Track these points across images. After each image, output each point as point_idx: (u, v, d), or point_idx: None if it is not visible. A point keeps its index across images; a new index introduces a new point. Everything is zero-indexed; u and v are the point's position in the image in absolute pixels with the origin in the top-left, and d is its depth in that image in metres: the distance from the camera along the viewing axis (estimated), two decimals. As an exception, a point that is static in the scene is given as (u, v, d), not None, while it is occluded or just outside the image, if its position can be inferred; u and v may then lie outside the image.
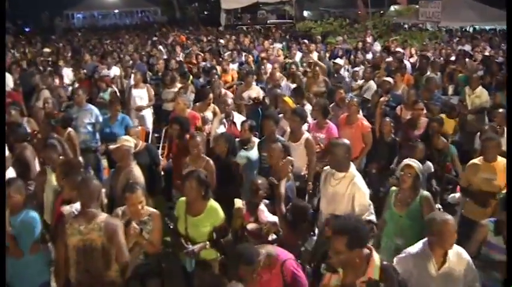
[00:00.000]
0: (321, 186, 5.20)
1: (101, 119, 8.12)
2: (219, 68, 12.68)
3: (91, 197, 4.22)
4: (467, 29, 26.54)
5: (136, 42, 20.40)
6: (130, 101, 10.08)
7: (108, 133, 7.80)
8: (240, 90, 10.16)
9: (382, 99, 7.83)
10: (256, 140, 6.62)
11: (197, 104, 8.73)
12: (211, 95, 8.60)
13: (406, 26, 24.39)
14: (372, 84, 9.84)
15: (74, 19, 44.03)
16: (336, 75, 11.32)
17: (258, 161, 6.40)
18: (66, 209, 4.53)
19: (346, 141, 5.01)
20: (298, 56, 13.72)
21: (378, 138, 7.40)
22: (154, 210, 4.69)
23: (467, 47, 16.80)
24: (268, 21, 32.24)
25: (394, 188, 4.96)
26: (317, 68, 10.51)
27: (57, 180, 5.22)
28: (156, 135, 10.88)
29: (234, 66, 12.90)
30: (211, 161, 5.90)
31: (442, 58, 13.13)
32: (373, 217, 4.93)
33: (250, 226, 4.75)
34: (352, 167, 4.95)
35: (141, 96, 10.09)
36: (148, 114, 10.22)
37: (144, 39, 22.44)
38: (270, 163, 5.59)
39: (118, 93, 10.84)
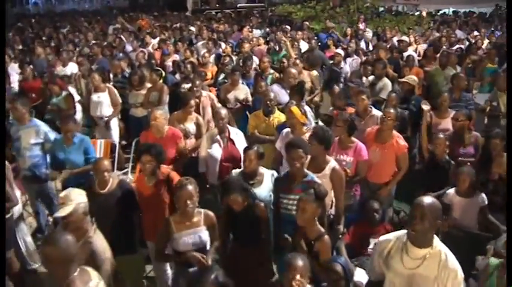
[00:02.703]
0: (381, 264, 3.43)
1: (51, 136, 6.15)
2: (192, 59, 10.92)
3: None
4: (447, 12, 25.38)
5: (96, 30, 18.23)
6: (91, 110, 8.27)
7: (62, 161, 5.89)
8: (224, 90, 8.44)
9: (425, 108, 6.18)
10: (265, 172, 4.91)
11: (175, 113, 6.99)
12: (192, 102, 6.87)
13: (381, 9, 22.90)
14: (387, 82, 8.25)
15: (29, 4, 40.95)
16: (335, 68, 9.64)
17: (269, 202, 4.77)
18: None
19: (434, 199, 3.29)
20: (304, 46, 11.93)
21: (427, 159, 5.79)
22: None
23: (459, 33, 15.40)
24: (238, 5, 30.42)
25: (493, 261, 3.33)
26: (297, 61, 8.90)
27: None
28: (124, 142, 9.15)
29: (210, 59, 11.08)
30: (210, 213, 4.18)
31: (445, 47, 11.60)
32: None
33: None
34: (436, 238, 3.29)
35: (102, 101, 8.27)
36: (113, 123, 8.43)
37: (105, 26, 20.21)
38: (300, 222, 3.93)
39: (79, 98, 8.96)
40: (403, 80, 7.62)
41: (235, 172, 4.90)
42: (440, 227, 4.85)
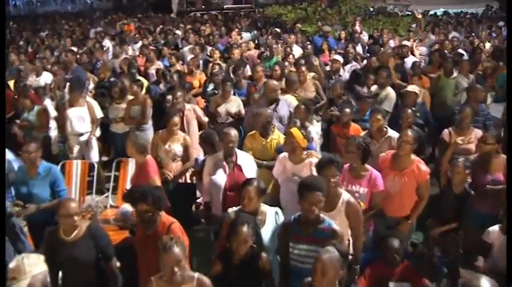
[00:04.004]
0: None
1: (15, 165, 5.34)
2: (178, 66, 10.09)
3: None
4: (438, 13, 24.79)
5: (77, 34, 17.24)
6: (67, 126, 7.41)
7: (25, 195, 5.03)
8: (214, 102, 7.63)
9: (459, 139, 5.41)
10: (267, 210, 4.11)
11: (159, 132, 6.18)
12: (176, 119, 6.02)
13: (371, 9, 22.15)
14: (391, 92, 7.55)
15: (9, 6, 39.60)
16: (334, 76, 8.84)
17: (274, 245, 4.00)
18: None
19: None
20: (298, 51, 11.03)
21: (443, 187, 5.08)
22: None
23: (455, 35, 14.68)
24: (224, 6, 29.60)
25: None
26: (303, 68, 8.09)
27: None
28: (104, 158, 8.32)
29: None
30: (205, 281, 3.37)
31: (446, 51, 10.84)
32: None
33: None
34: None
35: (82, 116, 7.43)
36: (94, 140, 7.66)
37: (86, 30, 19.21)
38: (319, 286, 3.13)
39: (55, 114, 8.09)
40: (408, 90, 6.84)
41: (232, 210, 4.10)
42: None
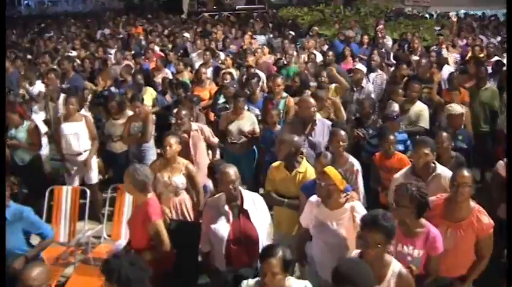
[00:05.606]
0: None
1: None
2: (186, 74, 9.21)
3: None
4: (458, 14, 23.67)
5: (82, 36, 16.34)
6: (61, 143, 6.57)
7: None
8: (224, 119, 6.68)
9: None
10: (293, 284, 3.12)
11: (157, 161, 5.29)
12: (172, 141, 5.01)
13: (388, 10, 21.06)
14: (424, 108, 6.65)
15: (22, 6, 39.00)
16: (356, 88, 7.83)
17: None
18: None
19: None
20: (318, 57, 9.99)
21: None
22: None
23: (491, 40, 13.57)
24: (236, 7, 28.73)
25: None
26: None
27: None
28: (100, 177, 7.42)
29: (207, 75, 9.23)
30: None
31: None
32: None
33: None
34: None
35: (77, 132, 6.54)
36: (94, 161, 6.79)
37: (94, 32, 18.31)
38: None
39: (46, 129, 7.22)
40: (454, 113, 5.90)
41: (249, 285, 3.14)
42: None
